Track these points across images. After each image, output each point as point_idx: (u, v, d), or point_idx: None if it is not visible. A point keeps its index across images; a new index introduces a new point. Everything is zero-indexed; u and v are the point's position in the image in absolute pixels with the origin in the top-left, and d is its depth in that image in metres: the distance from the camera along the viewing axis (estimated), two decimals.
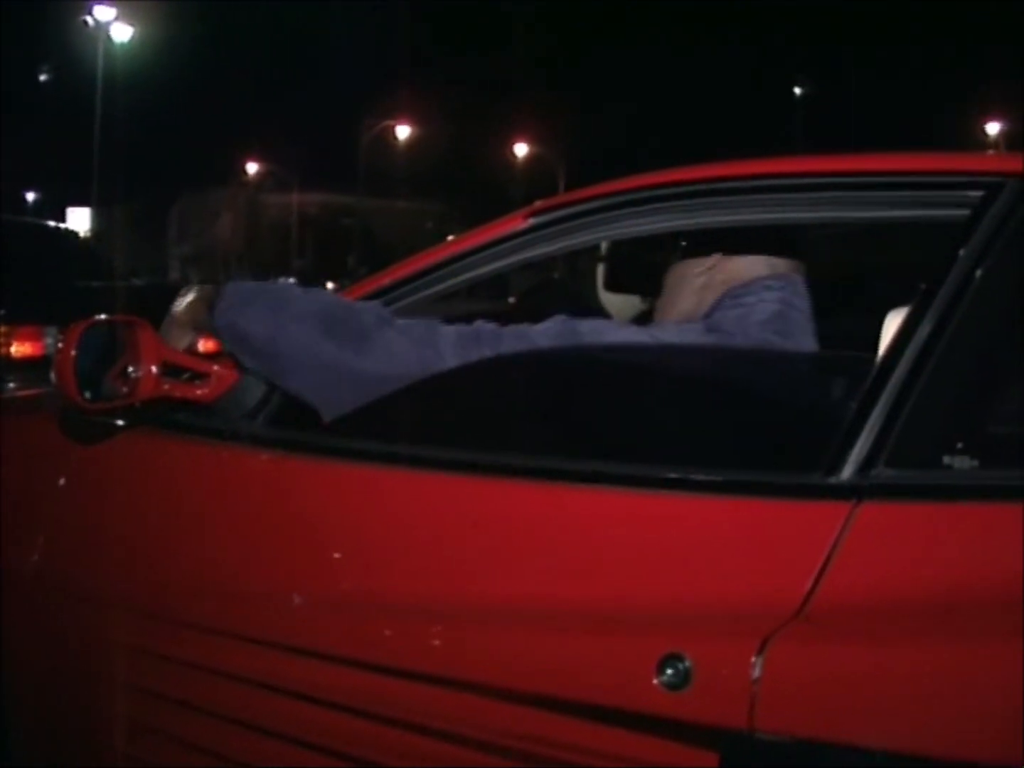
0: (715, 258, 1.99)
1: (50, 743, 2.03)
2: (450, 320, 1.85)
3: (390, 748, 1.51)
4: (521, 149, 50.70)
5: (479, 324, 1.81)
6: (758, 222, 1.75)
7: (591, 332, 1.81)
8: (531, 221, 1.82)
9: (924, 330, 1.37)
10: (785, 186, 1.68)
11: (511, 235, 1.83)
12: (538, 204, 1.85)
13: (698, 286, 1.99)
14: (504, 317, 1.89)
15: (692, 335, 1.83)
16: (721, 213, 1.74)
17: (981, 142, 37.76)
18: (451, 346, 1.77)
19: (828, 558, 1.29)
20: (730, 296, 1.89)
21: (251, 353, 1.81)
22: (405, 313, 1.92)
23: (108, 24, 33.26)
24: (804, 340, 1.87)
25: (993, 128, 40.63)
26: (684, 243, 2.06)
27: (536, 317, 1.87)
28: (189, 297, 1.94)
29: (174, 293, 2.00)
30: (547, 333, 1.80)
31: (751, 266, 1.96)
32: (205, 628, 1.72)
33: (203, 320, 1.88)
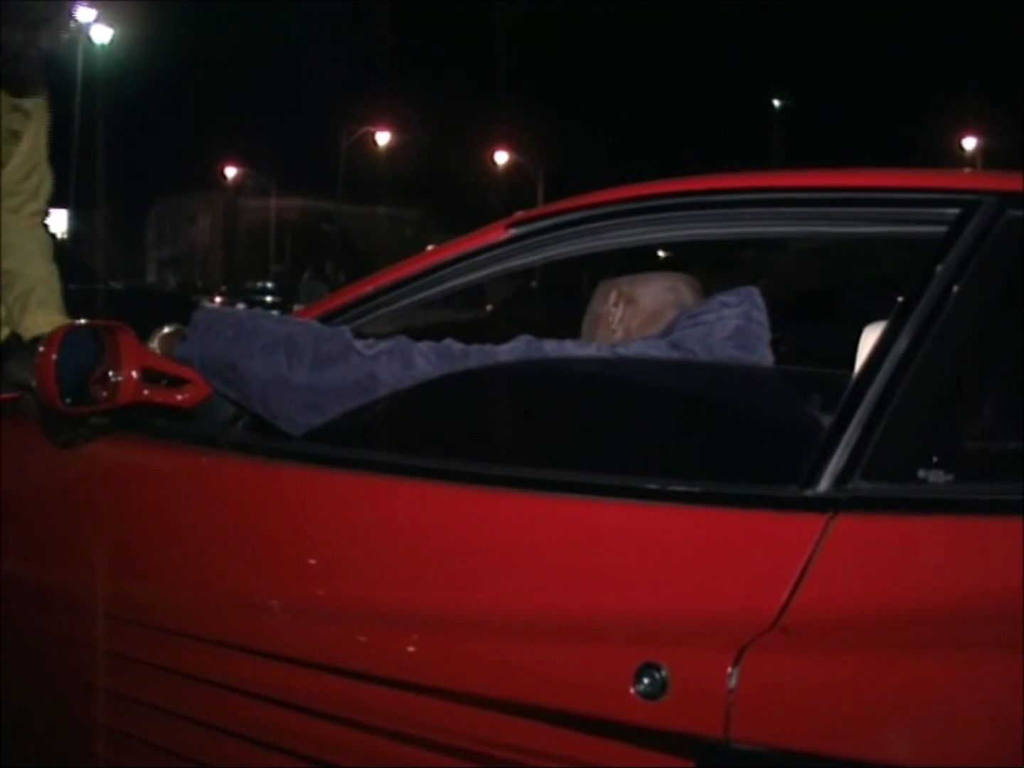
0: (620, 309, 2.07)
1: (33, 750, 2.02)
2: (418, 333, 1.87)
3: (367, 755, 1.51)
4: (501, 157, 50.72)
5: (448, 342, 1.83)
6: (736, 236, 1.76)
7: (556, 351, 1.83)
8: (512, 232, 1.83)
9: (900, 345, 1.38)
10: (764, 200, 1.70)
11: (492, 245, 1.84)
12: (519, 215, 1.86)
13: (620, 339, 2.05)
14: (482, 326, 1.91)
15: (659, 352, 1.85)
16: (701, 226, 1.75)
17: (958, 157, 38.02)
18: (422, 360, 1.79)
19: (804, 570, 1.30)
20: (687, 315, 1.91)
21: (221, 380, 1.86)
22: (387, 321, 1.93)
23: (88, 25, 33.11)
24: (764, 352, 1.89)
25: (970, 143, 40.92)
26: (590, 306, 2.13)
27: (514, 326, 1.89)
28: (164, 331, 2.01)
29: (152, 297, 2.02)
30: (513, 352, 1.82)
31: (656, 298, 2.06)
32: (182, 633, 1.72)
33: (176, 349, 1.92)
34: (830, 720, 1.21)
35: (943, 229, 1.47)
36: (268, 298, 30.79)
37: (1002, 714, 1.15)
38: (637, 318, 2.06)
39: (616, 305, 2.08)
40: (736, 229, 1.74)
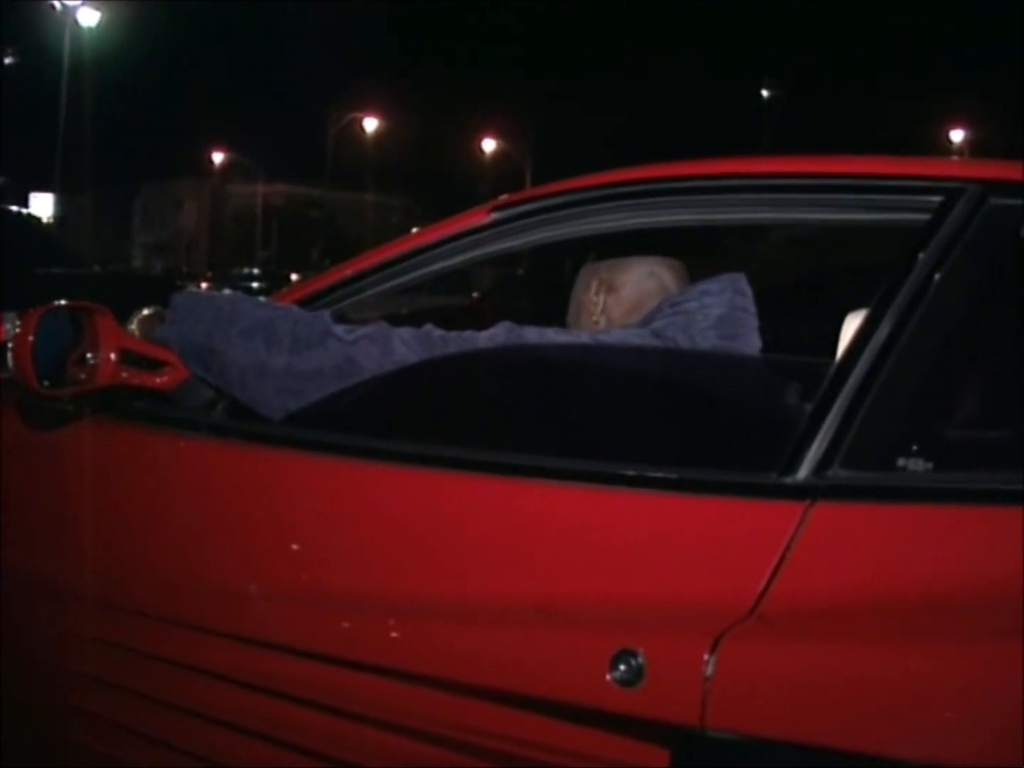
0: (602, 298, 2.06)
1: (26, 740, 2.01)
2: (403, 320, 1.86)
3: (342, 740, 1.51)
4: (489, 145, 50.68)
5: (427, 328, 1.82)
6: (720, 222, 1.76)
7: (537, 338, 1.83)
8: (494, 216, 1.82)
9: (882, 333, 1.38)
10: (748, 186, 1.69)
11: (474, 229, 1.83)
12: (502, 199, 1.85)
13: (603, 324, 2.04)
14: (468, 313, 1.90)
15: (640, 340, 1.85)
16: (683, 212, 1.74)
17: (946, 149, 38.13)
18: (401, 346, 1.78)
19: (782, 558, 1.30)
20: (668, 304, 1.91)
21: (201, 364, 1.85)
22: (368, 305, 1.92)
23: (75, 8, 32.96)
24: (751, 339, 1.88)
25: (957, 136, 41.05)
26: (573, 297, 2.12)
27: (500, 314, 1.88)
28: (144, 312, 1.99)
29: (137, 282, 2.01)
30: (493, 338, 1.81)
31: (637, 286, 2.05)
32: (169, 620, 1.71)
33: (155, 332, 1.90)
34: (807, 708, 1.21)
35: (926, 217, 1.47)
36: (254, 284, 30.71)
37: (979, 702, 1.15)
38: (619, 307, 2.05)
39: (597, 295, 2.07)
40: (718, 215, 1.73)
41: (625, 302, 2.05)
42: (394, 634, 1.49)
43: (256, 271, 37.37)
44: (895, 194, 1.58)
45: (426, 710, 1.43)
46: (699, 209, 1.73)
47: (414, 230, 1.96)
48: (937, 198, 1.48)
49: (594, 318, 2.06)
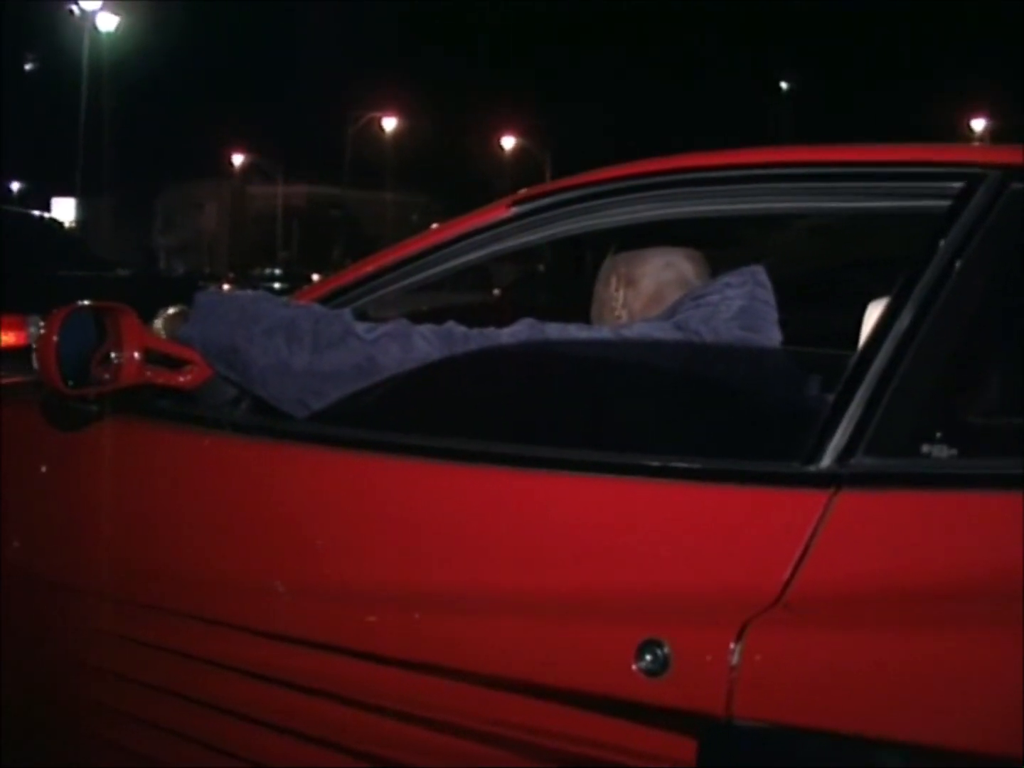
0: (622, 294, 2.07)
1: (34, 734, 2.02)
2: (424, 317, 1.87)
3: (374, 735, 1.52)
4: (508, 142, 50.67)
5: (449, 324, 1.82)
6: (740, 212, 1.75)
7: (559, 334, 1.83)
8: (514, 210, 1.82)
9: (904, 320, 1.38)
10: (768, 176, 1.69)
11: (495, 223, 1.84)
12: (522, 192, 1.85)
13: (624, 318, 2.05)
14: (488, 309, 1.91)
15: (663, 333, 1.85)
16: (704, 202, 1.74)
17: (967, 138, 37.90)
18: (423, 343, 1.78)
19: (807, 546, 1.30)
20: (690, 297, 1.91)
21: (223, 363, 1.85)
22: (388, 303, 1.93)
23: (94, 13, 33.12)
24: (772, 331, 1.88)
25: (979, 124, 40.79)
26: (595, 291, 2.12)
27: (520, 310, 1.88)
28: (167, 312, 1.99)
29: (159, 283, 2.02)
30: (515, 335, 1.81)
31: (656, 278, 2.05)
32: (186, 615, 1.72)
33: (178, 332, 1.91)
34: (832, 696, 1.22)
35: (946, 203, 1.46)
36: (275, 284, 30.78)
37: (1006, 691, 1.15)
38: (639, 300, 2.05)
39: (617, 290, 2.08)
40: (738, 205, 1.73)
41: (644, 294, 2.05)
42: (422, 628, 1.50)
43: (277, 271, 37.43)
44: (915, 181, 1.57)
45: (451, 702, 1.44)
46: (719, 200, 1.73)
47: (433, 226, 1.97)
48: (958, 184, 1.48)
49: (616, 313, 2.07)
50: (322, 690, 1.55)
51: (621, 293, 2.07)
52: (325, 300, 1.89)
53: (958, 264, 1.39)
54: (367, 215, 55.22)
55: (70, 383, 1.79)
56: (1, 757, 2.06)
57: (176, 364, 1.88)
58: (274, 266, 41.29)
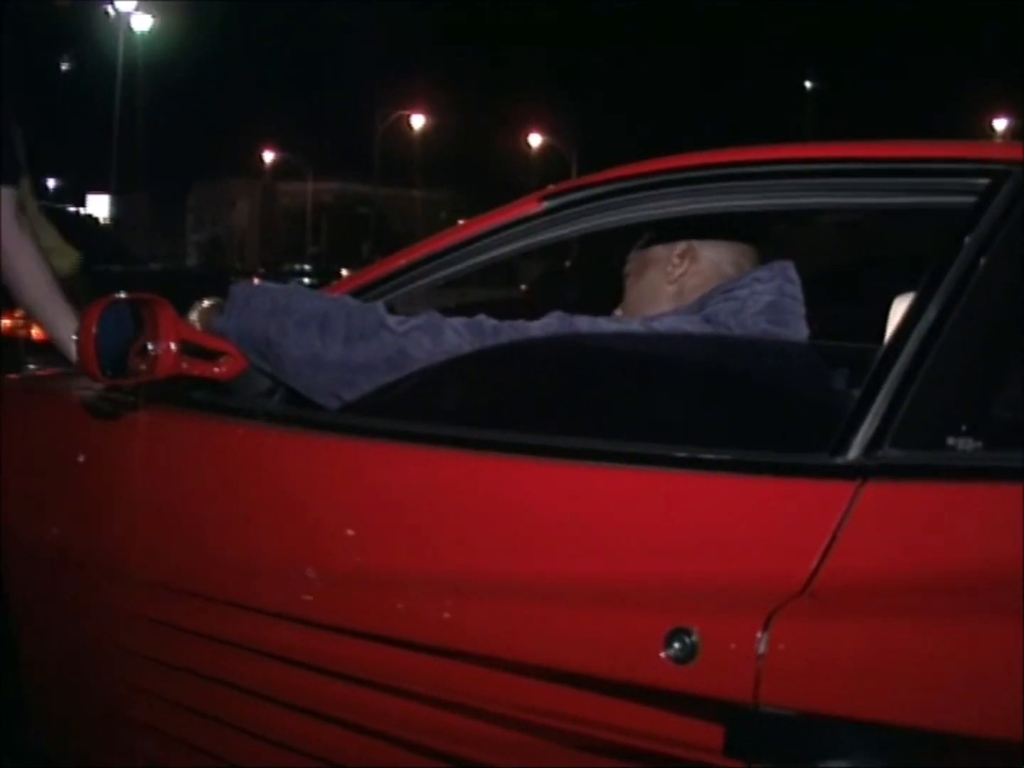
0: (684, 265, 2.04)
1: (67, 717, 2.06)
2: (447, 312, 1.89)
3: (405, 720, 1.53)
4: (535, 139, 50.61)
5: (480, 317, 1.84)
6: (769, 207, 1.76)
7: (589, 327, 1.84)
8: (544, 204, 1.83)
9: (930, 314, 1.38)
10: (797, 171, 1.70)
11: (524, 218, 1.85)
12: (551, 187, 1.86)
13: (672, 293, 2.03)
14: (516, 304, 1.92)
15: (692, 326, 1.85)
16: (732, 198, 1.75)
17: (989, 137, 37.64)
18: (453, 335, 1.80)
19: (834, 537, 1.30)
20: (719, 291, 1.91)
21: (257, 354, 1.88)
22: (420, 295, 1.95)
23: (129, 14, 33.40)
24: (799, 325, 1.89)
25: (1000, 124, 40.47)
26: (645, 245, 2.10)
27: (548, 305, 1.89)
28: (203, 304, 2.02)
29: (191, 278, 2.04)
30: (545, 328, 1.83)
31: (718, 267, 2.02)
32: (224, 601, 1.75)
33: (214, 323, 1.94)
34: (858, 685, 1.22)
35: (972, 199, 1.47)
36: (305, 280, 30.91)
37: None
38: (694, 279, 2.02)
39: (682, 256, 2.04)
40: (765, 201, 1.74)
41: (701, 276, 2.02)
42: (453, 614, 1.52)
43: (307, 267, 37.55)
44: (941, 177, 1.57)
45: (478, 688, 1.45)
46: (748, 195, 1.73)
47: (460, 222, 1.98)
48: (983, 180, 1.48)
49: (670, 277, 2.05)
50: (354, 675, 1.57)
51: (684, 263, 2.04)
52: (358, 293, 1.91)
53: (983, 260, 1.40)
54: (395, 212, 55.32)
55: (108, 374, 1.82)
56: (35, 738, 2.10)
57: (211, 356, 1.91)
58: (304, 262, 41.44)
